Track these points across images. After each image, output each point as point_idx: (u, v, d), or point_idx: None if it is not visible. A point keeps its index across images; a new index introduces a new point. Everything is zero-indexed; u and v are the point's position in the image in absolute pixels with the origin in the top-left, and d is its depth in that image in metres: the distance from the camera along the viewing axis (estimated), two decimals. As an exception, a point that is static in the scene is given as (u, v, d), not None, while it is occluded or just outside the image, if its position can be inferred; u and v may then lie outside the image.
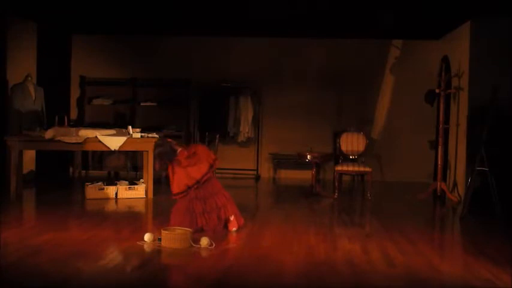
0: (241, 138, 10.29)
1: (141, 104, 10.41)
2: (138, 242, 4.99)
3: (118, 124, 9.59)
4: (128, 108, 10.45)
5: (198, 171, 5.58)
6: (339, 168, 8.27)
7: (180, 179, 5.58)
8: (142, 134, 7.69)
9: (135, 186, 7.67)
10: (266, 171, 10.67)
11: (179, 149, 5.65)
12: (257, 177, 10.43)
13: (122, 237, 5.25)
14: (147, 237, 5.02)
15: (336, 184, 8.21)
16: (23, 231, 5.40)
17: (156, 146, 5.72)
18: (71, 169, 10.38)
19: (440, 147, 8.39)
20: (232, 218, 5.66)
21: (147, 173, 7.73)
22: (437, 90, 8.44)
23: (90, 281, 4.03)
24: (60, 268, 4.22)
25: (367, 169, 8.23)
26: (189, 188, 5.56)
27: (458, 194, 8.25)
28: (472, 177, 6.85)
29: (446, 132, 8.79)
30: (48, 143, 7.27)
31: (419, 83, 9.94)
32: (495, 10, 7.58)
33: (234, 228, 5.64)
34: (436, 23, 8.82)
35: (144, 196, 7.65)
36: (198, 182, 5.57)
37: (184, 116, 10.37)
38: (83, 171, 10.27)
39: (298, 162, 9.87)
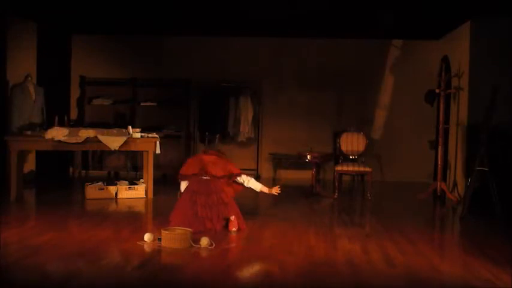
0: (241, 138, 10.28)
1: (141, 104, 10.41)
2: (138, 242, 4.98)
3: (118, 124, 9.58)
4: (128, 108, 10.45)
5: (217, 171, 5.94)
6: (339, 168, 8.27)
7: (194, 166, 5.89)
8: (142, 134, 7.69)
9: (135, 186, 7.67)
10: (266, 171, 10.67)
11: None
12: (257, 177, 10.42)
13: (122, 237, 5.25)
14: (147, 237, 5.02)
15: (336, 184, 8.21)
16: (23, 231, 5.39)
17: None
18: (71, 169, 10.39)
19: (440, 147, 8.39)
20: (233, 218, 5.68)
21: (147, 173, 7.73)
22: (437, 90, 8.44)
23: (90, 281, 4.03)
24: (60, 268, 4.23)
25: (367, 169, 8.23)
26: (194, 174, 5.83)
27: (458, 194, 8.25)
28: (472, 177, 6.85)
29: (446, 132, 8.79)
30: (48, 143, 7.27)
31: (419, 83, 9.94)
32: (495, 10, 7.58)
33: (234, 229, 5.65)
34: (436, 23, 8.82)
35: (144, 196, 7.65)
36: (200, 171, 5.85)
37: (184, 116, 10.37)
38: (83, 171, 10.28)
39: (298, 162, 9.87)
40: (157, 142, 7.72)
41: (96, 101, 10.39)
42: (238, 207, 5.83)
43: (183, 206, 5.69)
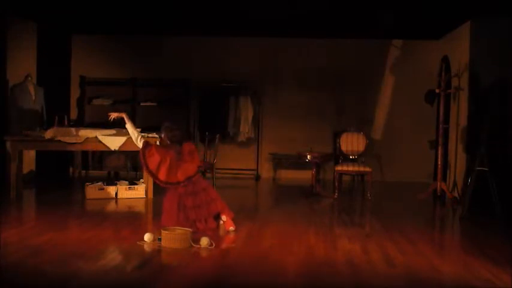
0: (241, 138, 10.29)
1: (141, 104, 10.42)
2: (138, 242, 4.98)
3: (118, 124, 9.56)
4: (128, 108, 10.43)
5: (191, 169, 5.76)
6: (339, 168, 8.27)
7: (172, 170, 5.69)
8: (143, 134, 7.67)
9: (135, 186, 7.67)
10: (266, 171, 10.67)
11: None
12: (257, 177, 10.43)
13: (122, 237, 5.25)
14: (147, 237, 5.02)
15: (336, 184, 8.21)
16: (23, 231, 5.40)
17: (172, 128, 5.93)
18: (71, 169, 10.38)
19: (440, 147, 8.39)
20: (225, 218, 5.68)
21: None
22: (437, 90, 8.44)
23: (90, 281, 4.03)
24: (60, 268, 4.22)
25: (367, 169, 8.23)
26: (179, 183, 5.67)
27: (458, 194, 8.25)
28: (472, 177, 6.85)
29: (446, 132, 8.79)
30: (48, 143, 7.27)
31: (419, 83, 9.94)
32: (495, 10, 7.58)
33: (232, 228, 5.64)
34: (436, 23, 8.82)
35: (144, 196, 7.65)
36: (188, 178, 5.70)
37: (184, 116, 10.37)
38: (83, 171, 10.27)
39: (298, 162, 9.87)
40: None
41: (96, 101, 10.39)
42: (223, 200, 5.84)
43: (172, 211, 5.64)
